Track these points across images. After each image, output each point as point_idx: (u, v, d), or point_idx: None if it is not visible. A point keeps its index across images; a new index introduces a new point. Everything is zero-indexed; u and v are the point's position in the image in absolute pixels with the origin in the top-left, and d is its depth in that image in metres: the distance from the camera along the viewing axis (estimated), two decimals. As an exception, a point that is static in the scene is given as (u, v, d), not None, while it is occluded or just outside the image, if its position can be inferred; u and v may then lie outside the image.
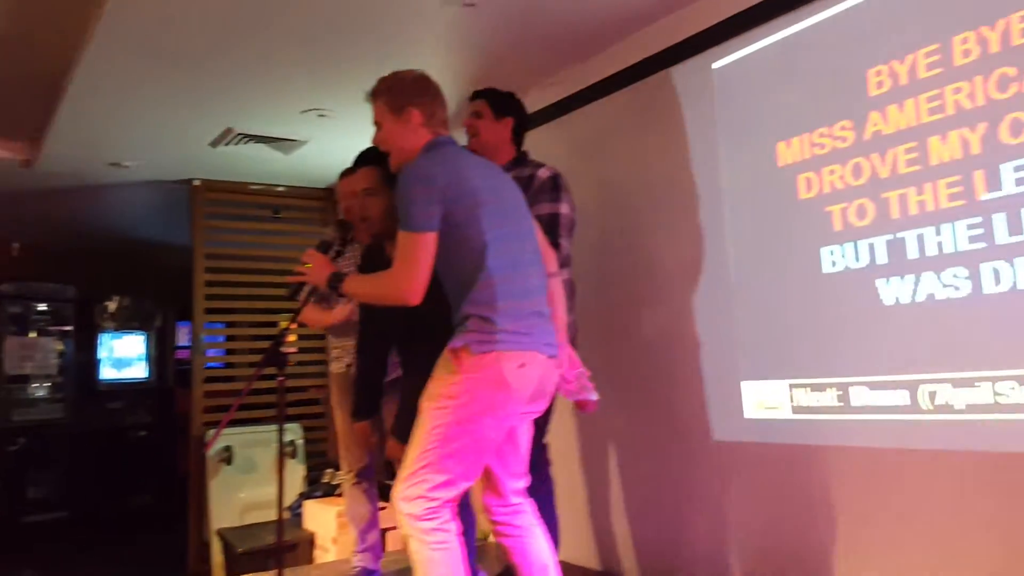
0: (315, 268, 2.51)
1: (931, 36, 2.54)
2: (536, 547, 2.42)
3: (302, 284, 2.62)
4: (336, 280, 2.45)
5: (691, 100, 3.33)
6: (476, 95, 3.15)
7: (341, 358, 3.43)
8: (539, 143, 3.95)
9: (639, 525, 3.59)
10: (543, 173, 3.08)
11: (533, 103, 4.04)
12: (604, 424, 3.70)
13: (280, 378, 2.77)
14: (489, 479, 2.41)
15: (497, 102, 3.14)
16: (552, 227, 2.95)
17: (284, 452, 4.87)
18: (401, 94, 2.44)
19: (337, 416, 3.49)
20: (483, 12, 3.25)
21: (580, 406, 2.70)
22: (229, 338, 6.29)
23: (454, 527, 2.24)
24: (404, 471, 2.23)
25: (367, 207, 2.82)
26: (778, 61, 3.00)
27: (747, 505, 3.11)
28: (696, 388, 3.28)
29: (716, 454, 3.22)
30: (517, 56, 3.74)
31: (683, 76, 3.36)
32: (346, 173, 3.20)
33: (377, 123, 2.48)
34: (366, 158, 2.93)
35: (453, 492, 2.23)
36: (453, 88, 3.92)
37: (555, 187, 3.05)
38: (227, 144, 4.75)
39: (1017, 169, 2.32)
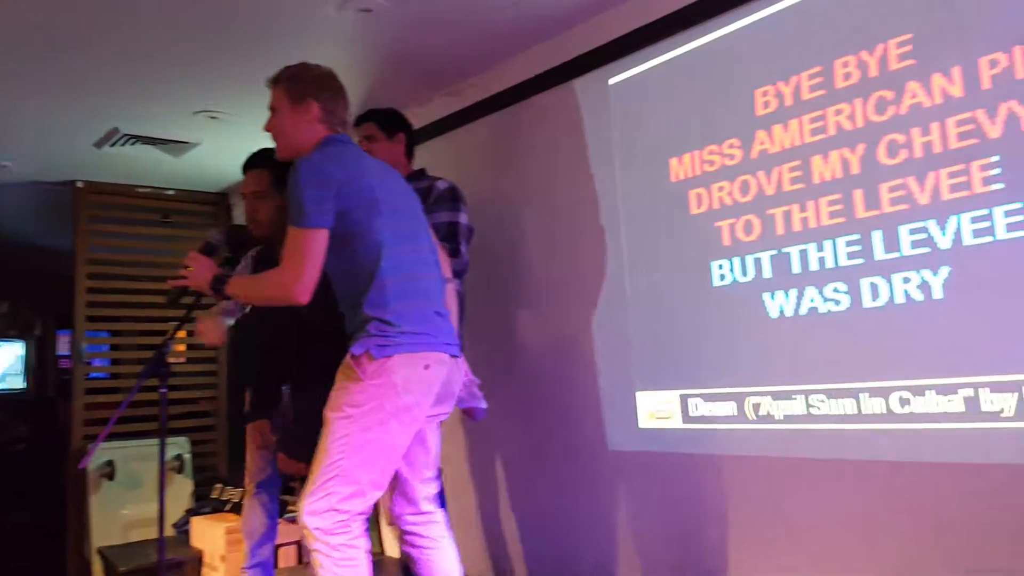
0: (197, 271, 2.41)
1: (814, 59, 2.63)
2: (445, 561, 2.37)
3: (184, 289, 2.51)
4: (219, 282, 2.35)
5: (589, 114, 3.37)
6: (362, 119, 3.21)
7: None
8: (438, 154, 3.96)
9: (531, 534, 3.59)
10: (441, 184, 3.18)
11: (432, 113, 4.04)
12: (498, 433, 3.70)
13: (162, 390, 2.67)
14: (400, 486, 2.35)
15: (386, 122, 3.21)
16: (452, 235, 3.00)
17: (166, 466, 4.70)
18: (303, 84, 2.38)
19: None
20: (381, 18, 3.21)
21: (468, 414, 2.69)
22: (114, 347, 6.03)
23: (363, 543, 2.18)
24: (310, 484, 2.15)
25: (256, 210, 2.74)
26: (671, 79, 3.06)
27: (641, 514, 3.15)
28: (592, 398, 3.31)
29: (611, 464, 3.26)
30: (416, 64, 3.71)
31: (581, 90, 3.40)
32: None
33: (273, 109, 2.41)
34: (257, 160, 2.85)
35: (363, 503, 2.17)
36: (349, 95, 3.90)
37: (454, 197, 3.13)
38: (113, 145, 4.54)
39: (894, 189, 2.43)
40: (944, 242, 2.31)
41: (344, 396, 2.17)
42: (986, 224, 2.23)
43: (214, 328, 2.85)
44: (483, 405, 2.67)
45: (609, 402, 3.26)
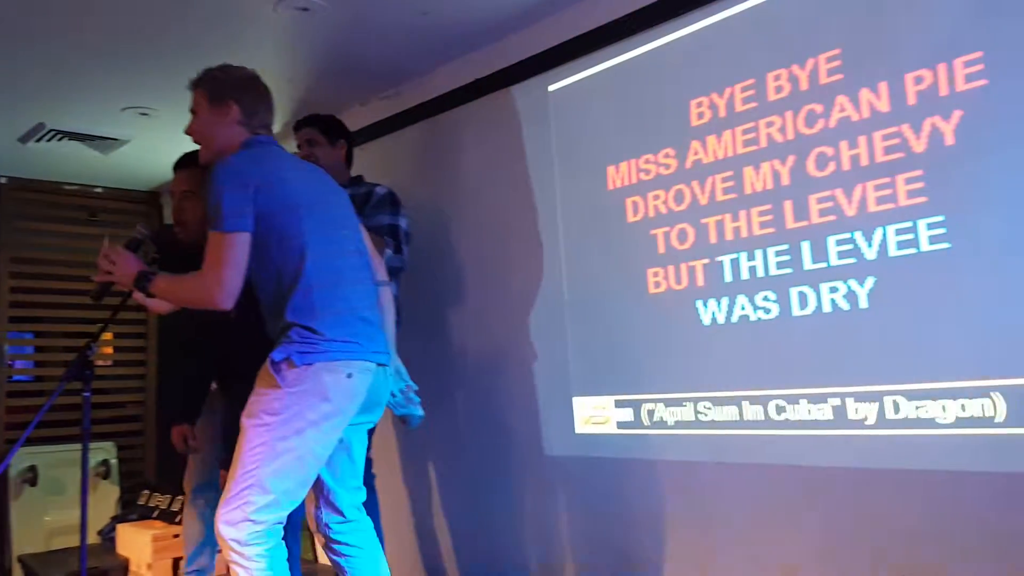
0: (121, 267, 2.34)
1: (748, 71, 2.68)
2: (372, 567, 2.34)
3: (109, 285, 2.44)
4: (144, 280, 2.29)
5: (528, 120, 3.38)
6: (302, 124, 3.21)
7: None
8: (376, 156, 3.93)
9: (464, 539, 3.58)
10: (380, 190, 3.19)
11: (370, 115, 4.01)
12: (433, 438, 3.68)
13: (85, 393, 2.59)
14: (325, 494, 2.30)
15: (328, 127, 3.23)
16: (393, 237, 3.02)
17: (91, 472, 4.57)
18: (224, 86, 2.33)
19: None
20: (318, 18, 3.17)
21: (404, 421, 2.67)
22: (38, 349, 5.83)
23: (281, 552, 2.13)
24: (226, 493, 2.09)
25: (183, 210, 2.67)
26: (609, 87, 3.09)
27: (574, 519, 3.17)
28: (529, 403, 3.32)
29: (546, 469, 3.27)
30: (353, 66, 3.67)
31: (520, 97, 3.41)
32: None
33: (193, 111, 2.36)
34: (189, 159, 2.78)
35: (279, 514, 2.12)
36: (286, 95, 3.85)
37: (393, 202, 3.15)
38: (39, 140, 4.39)
39: (822, 200, 2.49)
40: (870, 253, 2.38)
41: (262, 403, 2.11)
42: (910, 236, 2.30)
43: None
44: (420, 412, 2.65)
45: (546, 407, 3.27)
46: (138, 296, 2.42)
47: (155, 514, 4.18)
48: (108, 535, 4.32)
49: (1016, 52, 2.13)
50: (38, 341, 5.69)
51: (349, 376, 2.16)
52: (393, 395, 2.49)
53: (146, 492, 4.48)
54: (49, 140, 4.40)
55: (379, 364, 2.28)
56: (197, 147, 2.67)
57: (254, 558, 2.07)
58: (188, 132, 2.38)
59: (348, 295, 2.23)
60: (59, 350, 5.60)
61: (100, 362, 5.44)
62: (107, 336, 5.31)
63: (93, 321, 5.08)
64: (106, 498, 4.83)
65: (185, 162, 2.80)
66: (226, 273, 2.11)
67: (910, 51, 2.32)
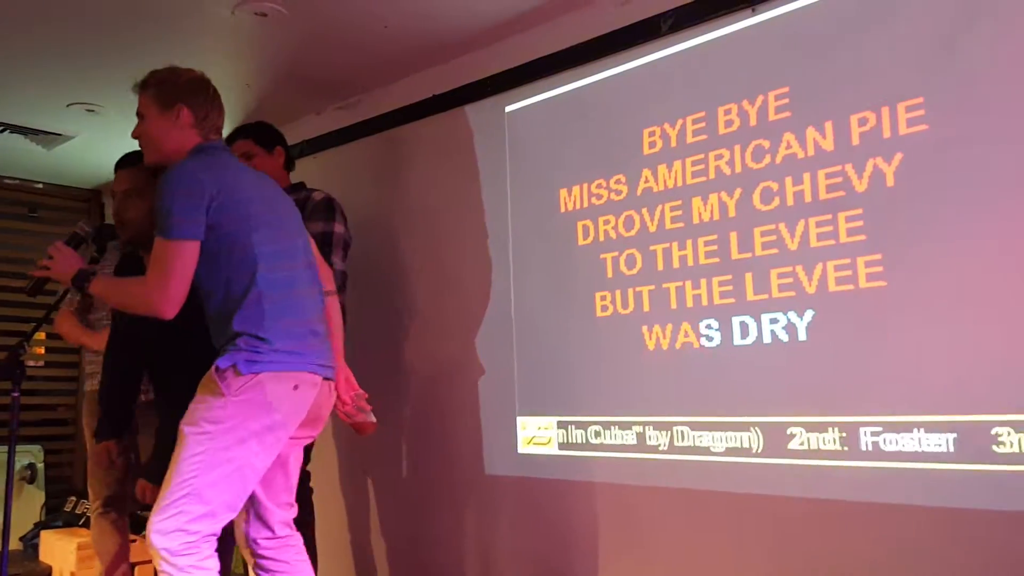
0: (60, 262, 2.27)
1: (700, 104, 2.74)
2: None
3: (45, 280, 2.37)
4: (83, 278, 2.22)
5: (484, 139, 3.39)
6: (236, 135, 3.15)
7: (96, 375, 3.16)
8: (327, 166, 3.91)
9: (404, 557, 3.55)
10: (317, 195, 3.17)
11: (323, 125, 3.99)
12: (374, 452, 3.66)
13: (15, 393, 2.51)
14: (256, 509, 2.26)
15: (262, 136, 3.18)
16: (325, 245, 2.99)
17: (16, 475, 4.43)
18: (174, 89, 2.27)
19: (88, 438, 3.21)
20: (276, 24, 3.14)
21: (357, 428, 2.64)
22: (-34, 346, 5.65)
23: (213, 564, 2.08)
24: (160, 501, 2.03)
25: (126, 209, 2.61)
26: (564, 111, 3.12)
27: (515, 538, 3.17)
28: (473, 421, 3.32)
29: (487, 488, 3.26)
30: (309, 75, 3.66)
31: (478, 115, 3.42)
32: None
33: (140, 115, 2.30)
34: (132, 158, 2.72)
35: (214, 525, 2.06)
36: (240, 101, 3.81)
37: (329, 207, 3.12)
38: (-21, 131, 4.29)
39: (766, 233, 2.54)
40: (810, 287, 2.43)
41: (204, 411, 2.06)
42: (848, 272, 2.36)
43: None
44: (372, 419, 2.62)
45: (489, 426, 3.27)
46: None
47: (81, 522, 4.08)
48: (31, 541, 4.20)
49: (956, 97, 2.22)
50: (-34, 338, 5.51)
51: (296, 388, 2.13)
52: (344, 403, 2.47)
53: (72, 499, 4.37)
54: (-10, 132, 4.29)
55: (325, 378, 2.26)
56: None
57: (186, 569, 2.01)
58: (135, 136, 2.32)
59: (297, 307, 2.21)
60: (-12, 348, 5.42)
61: (31, 362, 5.28)
62: (40, 336, 5.16)
63: (25, 320, 4.94)
64: (30, 503, 4.67)
65: (127, 161, 2.74)
66: (171, 281, 2.07)
67: (855, 93, 2.39)
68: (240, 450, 2.06)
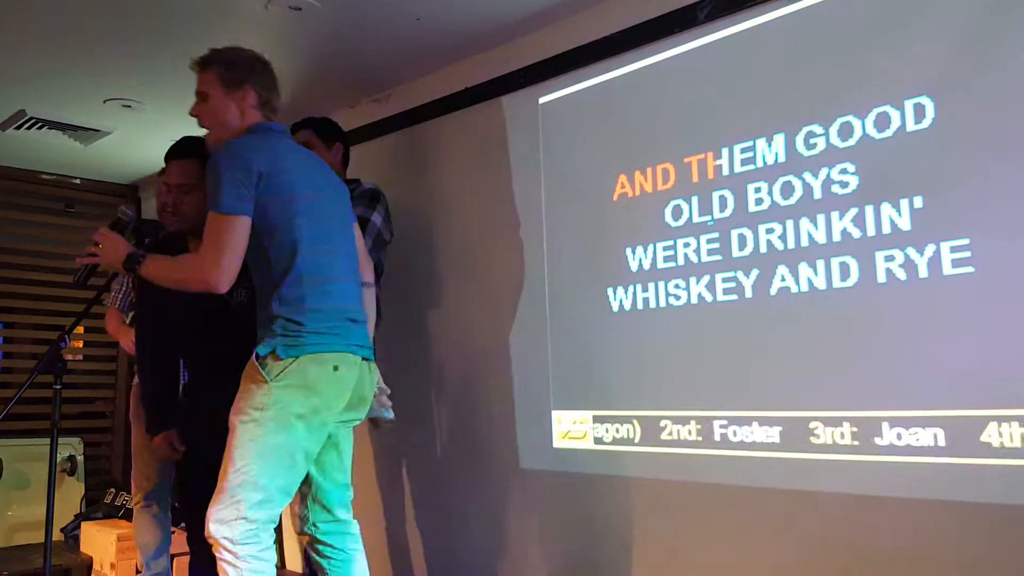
0: (108, 248, 2.26)
1: (741, 92, 2.70)
2: (356, 574, 2.31)
3: (93, 268, 2.36)
4: (134, 261, 2.22)
5: (518, 131, 3.37)
6: (299, 126, 3.20)
7: None
8: (361, 159, 3.90)
9: (439, 550, 3.55)
10: (367, 184, 3.22)
11: (358, 118, 3.99)
12: (409, 446, 3.66)
13: (56, 387, 2.54)
14: (314, 492, 2.27)
15: (324, 130, 3.22)
16: (360, 230, 2.98)
17: (57, 468, 4.50)
18: (240, 69, 2.28)
19: (135, 430, 3.24)
20: (310, 18, 3.15)
21: (374, 423, 2.65)
22: (7, 340, 5.73)
23: (273, 555, 2.10)
24: (217, 492, 2.06)
25: (181, 204, 2.58)
26: (600, 101, 3.08)
27: (549, 532, 3.15)
28: (507, 415, 3.30)
29: (522, 482, 3.25)
30: (343, 68, 3.66)
31: (512, 107, 3.40)
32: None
33: (202, 94, 2.28)
34: (185, 149, 2.68)
35: (272, 511, 2.09)
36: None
37: (374, 196, 3.15)
38: (18, 128, 4.33)
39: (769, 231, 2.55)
40: (852, 279, 2.40)
41: (248, 399, 2.08)
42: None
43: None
44: (390, 415, 2.62)
45: (524, 420, 3.25)
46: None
47: (121, 513, 4.13)
48: (72, 533, 4.26)
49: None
50: (7, 332, 5.60)
51: (336, 368, 2.14)
52: None
53: (112, 490, 4.43)
54: (29, 128, 4.33)
55: (364, 359, 2.26)
56: (189, 136, 2.61)
57: (247, 558, 2.04)
58: (195, 114, 2.31)
59: (335, 293, 2.22)
60: (28, 342, 5.51)
61: (71, 356, 5.36)
62: (79, 330, 5.23)
63: (64, 314, 5.02)
64: (71, 495, 4.74)
65: (179, 152, 2.66)
66: (225, 255, 2.08)
67: (905, 80, 2.34)
68: (288, 435, 2.08)
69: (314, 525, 2.30)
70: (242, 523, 2.03)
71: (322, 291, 2.18)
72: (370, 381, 2.32)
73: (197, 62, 2.32)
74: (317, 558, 2.31)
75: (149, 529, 3.16)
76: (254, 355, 2.11)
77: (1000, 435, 2.09)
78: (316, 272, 2.18)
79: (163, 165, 2.71)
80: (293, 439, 2.09)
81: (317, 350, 2.11)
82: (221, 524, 2.03)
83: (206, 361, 2.59)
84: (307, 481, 2.25)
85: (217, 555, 2.05)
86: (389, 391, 2.72)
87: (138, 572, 3.23)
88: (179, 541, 3.41)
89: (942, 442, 2.18)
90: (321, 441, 2.19)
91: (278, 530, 2.36)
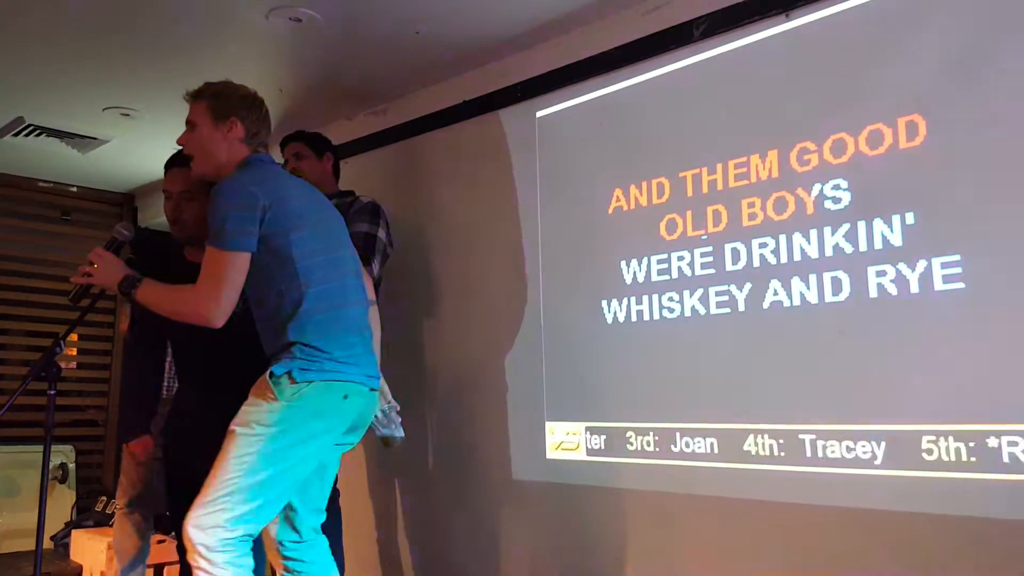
0: (103, 269, 2.27)
1: (736, 109, 2.73)
2: None
3: (87, 288, 2.36)
4: (129, 285, 2.23)
5: (515, 144, 3.40)
6: (289, 139, 3.27)
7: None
8: (359, 171, 3.93)
9: (430, 561, 3.55)
10: (365, 199, 3.23)
11: (356, 130, 4.01)
12: (402, 457, 3.65)
13: (50, 392, 2.53)
14: (287, 513, 2.27)
15: (314, 142, 3.29)
16: (368, 247, 3.02)
17: (51, 475, 4.48)
18: (229, 102, 2.31)
19: None
20: (309, 30, 3.17)
21: (384, 442, 2.65)
22: (1, 347, 5.72)
23: (249, 563, 2.10)
24: (202, 497, 2.06)
25: (182, 210, 2.59)
26: (597, 116, 3.11)
27: (542, 543, 3.16)
28: (501, 425, 3.31)
29: (515, 492, 3.25)
30: (343, 80, 3.68)
31: (509, 120, 3.43)
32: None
33: (191, 123, 2.32)
34: (181, 158, 2.69)
35: (252, 526, 2.09)
36: (273, 105, 3.82)
37: (375, 212, 3.17)
38: (16, 135, 4.34)
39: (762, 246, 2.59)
40: (843, 293, 2.42)
41: (255, 414, 2.10)
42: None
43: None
44: (400, 434, 2.63)
45: (517, 430, 3.26)
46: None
47: (111, 522, 4.10)
48: (62, 540, 4.24)
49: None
50: (0, 339, 5.59)
51: (346, 397, 2.17)
52: (376, 416, 2.48)
53: (103, 499, 4.41)
54: (27, 135, 4.35)
55: (371, 389, 2.29)
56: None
57: (221, 565, 2.03)
58: (182, 142, 2.35)
59: (347, 318, 2.25)
60: (22, 348, 5.50)
61: (64, 364, 5.34)
62: (73, 338, 5.23)
63: (58, 322, 5.01)
64: (61, 503, 4.72)
65: (180, 160, 2.66)
66: (224, 291, 2.10)
67: (895, 98, 2.37)
68: (287, 454, 2.10)
69: (281, 543, 2.30)
70: (219, 531, 2.03)
71: (335, 316, 2.20)
72: (372, 409, 2.35)
73: (190, 93, 2.36)
74: (284, 574, 2.31)
75: (128, 535, 3.16)
76: (268, 373, 2.12)
77: (990, 449, 2.10)
78: (328, 297, 2.20)
79: (163, 176, 2.72)
80: (290, 459, 2.11)
81: (331, 377, 2.14)
82: (199, 530, 2.03)
83: (200, 375, 2.59)
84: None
85: (192, 561, 2.04)
86: (399, 408, 2.72)
87: None
88: (169, 550, 3.40)
89: (933, 456, 2.19)
90: (314, 464, 2.21)
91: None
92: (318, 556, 2.33)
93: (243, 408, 2.12)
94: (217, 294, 2.09)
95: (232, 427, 2.10)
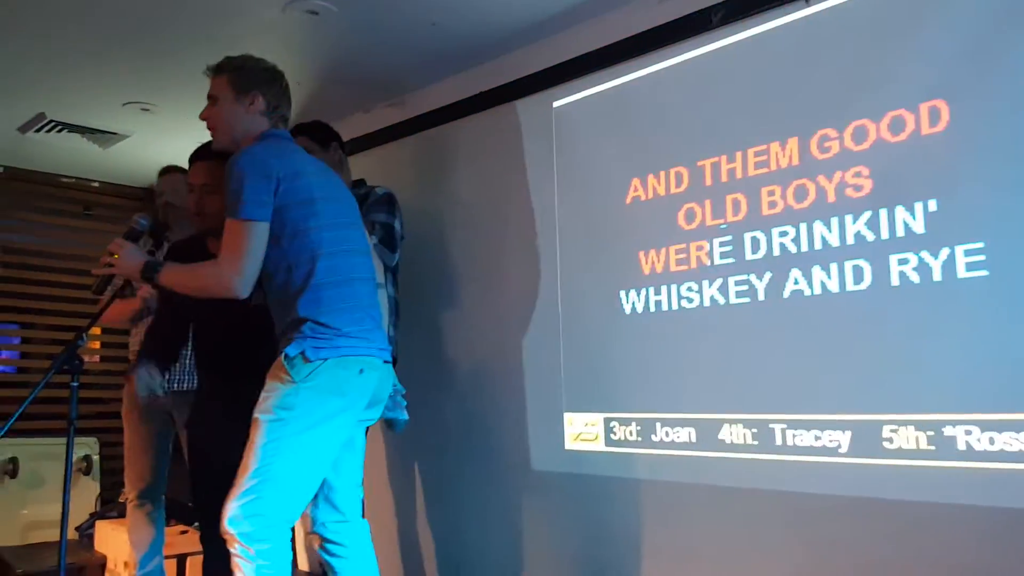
0: (124, 258, 2.29)
1: (753, 97, 2.71)
2: (366, 571, 2.32)
3: (111, 277, 2.38)
4: (151, 271, 2.24)
5: (532, 135, 3.39)
6: (293, 133, 3.18)
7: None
8: (377, 163, 3.94)
9: (450, 550, 3.56)
10: (380, 190, 3.24)
11: (374, 122, 4.02)
12: (422, 446, 3.67)
13: (73, 384, 2.55)
14: (325, 492, 2.28)
15: (318, 134, 3.22)
16: (388, 237, 3.03)
17: (75, 467, 4.53)
18: (251, 76, 2.32)
19: (126, 428, 3.25)
20: (326, 23, 3.17)
21: (389, 424, 2.65)
22: (25, 341, 5.78)
23: (289, 555, 2.11)
24: (237, 487, 2.07)
25: (205, 204, 2.58)
26: (614, 105, 3.10)
27: (560, 533, 3.16)
28: (520, 416, 3.31)
29: (533, 483, 3.25)
30: (359, 73, 3.68)
31: (526, 111, 3.42)
32: (168, 170, 3.22)
33: (213, 97, 2.33)
34: (205, 150, 2.70)
35: (291, 511, 2.11)
36: (292, 97, 3.84)
37: (391, 202, 3.19)
38: (38, 131, 4.38)
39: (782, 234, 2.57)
40: (865, 281, 2.39)
41: (275, 398, 2.10)
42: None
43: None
44: (404, 417, 2.63)
45: (536, 421, 3.26)
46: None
47: (131, 513, 4.14)
48: (86, 531, 4.28)
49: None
50: (24, 332, 5.65)
51: (361, 372, 2.17)
52: None
53: (125, 490, 4.44)
54: (48, 131, 4.38)
55: (385, 362, 2.29)
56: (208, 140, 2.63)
57: (262, 555, 2.04)
58: (204, 117, 2.36)
59: (357, 294, 2.25)
60: (45, 342, 5.56)
61: (87, 357, 5.39)
62: (95, 331, 5.27)
63: (81, 315, 5.06)
64: (86, 494, 4.77)
65: (204, 154, 2.63)
66: (245, 261, 2.11)
67: (915, 84, 2.34)
68: (312, 435, 2.10)
69: (323, 525, 2.30)
70: (259, 520, 2.04)
71: (347, 292, 2.21)
72: (388, 383, 2.35)
73: (211, 67, 2.37)
74: (327, 557, 2.32)
75: (142, 527, 3.18)
76: (282, 355, 2.12)
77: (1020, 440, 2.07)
78: (337, 273, 2.20)
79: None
80: (317, 440, 2.12)
81: (345, 352, 2.14)
82: (238, 520, 2.04)
83: (223, 364, 2.60)
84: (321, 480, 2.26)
85: (232, 550, 2.06)
86: (404, 391, 2.73)
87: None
88: (192, 540, 3.43)
89: (961, 446, 2.16)
90: (341, 442, 2.21)
91: (291, 529, 2.37)
92: (361, 543, 2.34)
93: (262, 395, 2.13)
94: (238, 265, 2.10)
95: (255, 415, 2.11)
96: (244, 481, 2.06)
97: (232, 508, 2.05)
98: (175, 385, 3.05)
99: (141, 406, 3.07)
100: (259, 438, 2.08)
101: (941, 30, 2.31)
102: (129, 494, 3.20)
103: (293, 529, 2.31)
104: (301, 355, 2.10)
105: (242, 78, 2.32)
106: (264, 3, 3.04)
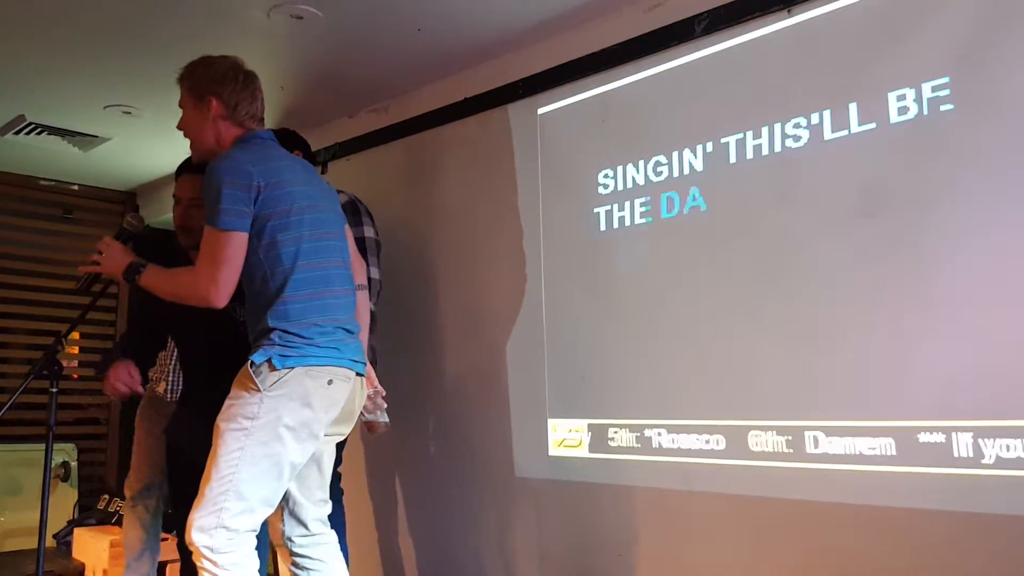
0: (110, 257, 2.28)
1: (735, 106, 2.72)
2: None
3: (96, 276, 2.37)
4: (133, 271, 2.22)
5: (516, 141, 3.39)
6: None
7: (159, 380, 3.20)
8: (360, 168, 3.93)
9: (432, 559, 3.55)
10: (341, 198, 3.06)
11: (358, 127, 4.01)
12: (404, 454, 3.66)
13: (53, 389, 2.53)
14: (290, 507, 2.25)
15: (284, 142, 3.10)
16: (359, 251, 2.95)
17: (53, 474, 4.48)
18: (203, 81, 2.27)
19: (137, 432, 3.24)
20: (310, 28, 3.16)
21: (369, 428, 2.64)
22: (3, 346, 5.72)
23: (254, 563, 2.07)
24: (200, 499, 2.04)
25: (191, 217, 2.55)
26: (598, 113, 3.10)
27: (544, 540, 3.15)
28: (503, 423, 3.31)
29: (516, 489, 3.25)
30: (345, 77, 3.67)
31: (511, 117, 3.42)
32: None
33: (181, 107, 2.31)
34: (192, 164, 2.66)
35: (253, 521, 2.07)
36: (274, 102, 3.83)
37: (355, 211, 3.08)
38: (17, 133, 4.33)
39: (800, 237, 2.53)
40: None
41: (239, 407, 2.06)
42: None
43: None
44: (385, 419, 2.61)
45: (519, 428, 3.25)
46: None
47: (114, 520, 4.11)
48: (64, 539, 4.24)
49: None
50: (2, 337, 5.58)
51: (329, 383, 2.13)
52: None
53: (105, 497, 4.41)
54: (28, 133, 4.34)
55: (358, 374, 2.26)
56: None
57: (227, 566, 2.01)
58: (179, 127, 2.34)
59: (330, 306, 2.21)
60: (23, 347, 5.50)
61: (66, 362, 5.34)
62: (74, 336, 5.23)
63: (60, 320, 5.01)
64: (64, 501, 4.72)
65: (190, 167, 2.62)
66: (222, 271, 2.08)
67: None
68: (277, 445, 2.06)
69: (290, 539, 2.27)
70: (222, 531, 2.01)
71: (319, 304, 2.17)
72: (360, 396, 2.31)
73: (176, 76, 2.34)
74: (295, 571, 2.30)
75: (132, 528, 3.16)
76: (248, 363, 2.09)
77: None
78: (312, 284, 2.17)
79: (164, 173, 2.71)
80: (281, 450, 2.07)
81: (313, 362, 2.10)
82: (201, 532, 2.01)
83: (203, 370, 2.59)
84: (285, 495, 2.22)
85: (197, 563, 2.03)
86: (384, 393, 2.71)
87: None
88: (171, 547, 3.40)
89: (961, 452, 2.17)
90: (308, 454, 2.17)
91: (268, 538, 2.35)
92: (330, 556, 2.30)
93: (227, 402, 2.09)
94: (215, 275, 2.08)
95: (218, 422, 2.08)
96: (206, 492, 2.03)
97: (195, 520, 2.02)
98: (175, 393, 3.06)
99: (150, 409, 3.14)
100: (222, 447, 2.05)
101: (922, 42, 2.33)
102: (126, 493, 3.19)
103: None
104: (267, 363, 2.06)
105: (195, 84, 2.27)
106: (249, 7, 3.03)
